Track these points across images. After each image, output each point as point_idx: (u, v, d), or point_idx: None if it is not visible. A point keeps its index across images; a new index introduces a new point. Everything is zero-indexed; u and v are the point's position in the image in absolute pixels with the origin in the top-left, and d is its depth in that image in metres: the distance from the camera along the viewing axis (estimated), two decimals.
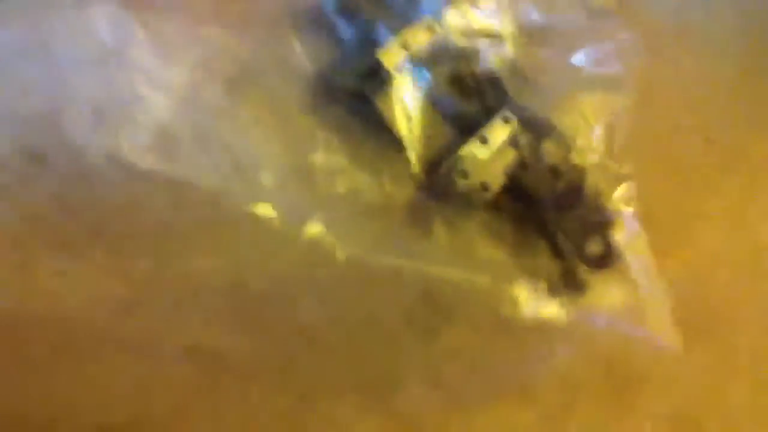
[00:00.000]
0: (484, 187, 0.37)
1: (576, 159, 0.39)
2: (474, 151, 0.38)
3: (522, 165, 0.39)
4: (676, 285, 0.37)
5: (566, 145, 0.40)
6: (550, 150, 0.39)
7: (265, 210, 0.36)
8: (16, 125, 0.37)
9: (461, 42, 0.41)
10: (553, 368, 0.36)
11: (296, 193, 0.37)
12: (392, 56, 0.38)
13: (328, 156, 0.39)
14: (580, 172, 0.39)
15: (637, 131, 0.42)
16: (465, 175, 0.37)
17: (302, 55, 0.42)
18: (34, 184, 0.36)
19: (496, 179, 0.37)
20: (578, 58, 0.44)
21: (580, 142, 0.41)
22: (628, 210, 0.39)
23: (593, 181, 0.38)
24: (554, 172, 0.39)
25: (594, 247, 0.38)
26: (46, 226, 0.35)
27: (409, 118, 0.39)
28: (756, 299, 0.39)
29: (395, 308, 0.36)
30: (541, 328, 0.37)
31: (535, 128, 0.40)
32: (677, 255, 0.39)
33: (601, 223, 0.38)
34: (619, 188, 0.39)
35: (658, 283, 0.37)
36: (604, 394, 0.36)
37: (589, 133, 0.41)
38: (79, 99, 0.37)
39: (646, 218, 0.39)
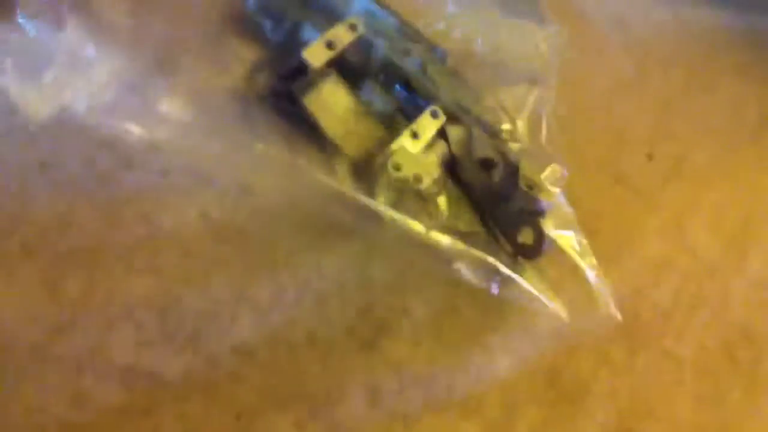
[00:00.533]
0: (417, 179, 0.37)
1: (505, 148, 0.40)
2: (405, 144, 0.38)
3: (454, 158, 0.40)
4: (619, 294, 0.37)
5: (495, 136, 0.40)
6: (480, 142, 0.40)
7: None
8: None
9: (390, 40, 0.41)
10: (495, 378, 0.36)
11: None
12: (317, 55, 0.38)
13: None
14: (512, 164, 0.39)
15: (574, 134, 0.43)
16: (398, 167, 0.37)
17: (230, 56, 0.41)
18: None
19: (429, 172, 0.37)
20: (502, 52, 0.45)
21: (505, 132, 0.42)
22: (557, 191, 0.39)
23: (525, 170, 0.39)
24: (485, 164, 0.39)
25: (525, 237, 0.38)
26: None
27: (337, 118, 0.39)
28: (699, 312, 0.40)
29: (336, 323, 0.36)
30: (482, 340, 0.37)
31: (462, 121, 0.41)
32: (620, 264, 0.40)
33: (532, 213, 0.38)
34: (548, 169, 0.39)
35: (601, 281, 0.38)
36: (547, 404, 0.36)
37: (513, 125, 0.42)
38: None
39: (586, 227, 0.39)
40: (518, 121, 0.42)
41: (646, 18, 0.51)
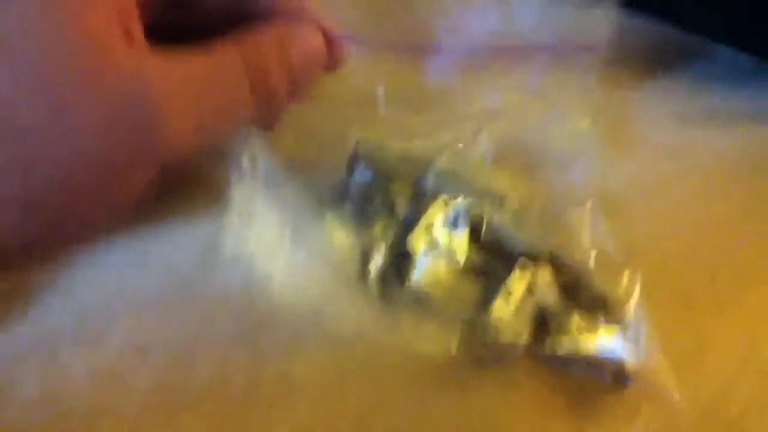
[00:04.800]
0: (513, 344, 0.44)
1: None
2: (501, 308, 0.44)
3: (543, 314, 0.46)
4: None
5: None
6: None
7: None
8: None
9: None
10: None
11: None
12: (420, 240, 0.46)
13: None
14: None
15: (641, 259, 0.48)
16: (496, 335, 0.43)
17: None
18: None
19: (521, 334, 0.44)
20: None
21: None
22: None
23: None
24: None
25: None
26: None
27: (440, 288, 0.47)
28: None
29: None
30: None
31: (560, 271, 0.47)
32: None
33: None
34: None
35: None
36: None
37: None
38: None
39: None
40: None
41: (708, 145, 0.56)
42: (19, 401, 0.41)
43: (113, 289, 0.46)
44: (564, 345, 0.44)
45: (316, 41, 0.37)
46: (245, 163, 0.40)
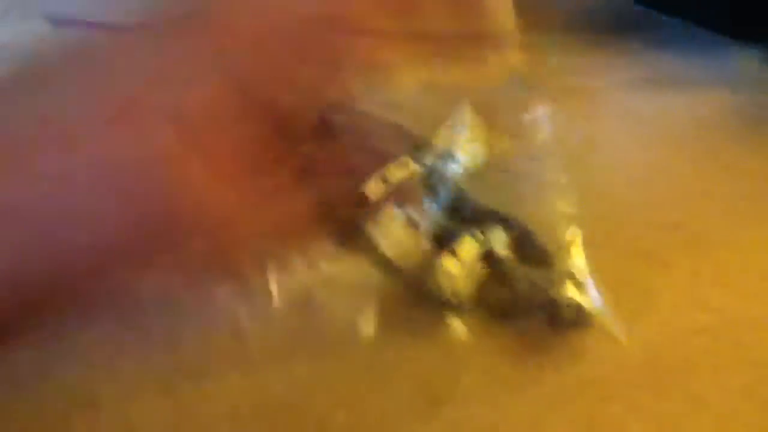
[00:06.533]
0: (455, 296, 0.45)
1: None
2: (449, 264, 0.46)
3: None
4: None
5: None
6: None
7: None
8: None
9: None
10: None
11: None
12: (375, 189, 0.46)
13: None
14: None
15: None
16: (439, 286, 0.45)
17: None
18: None
19: (465, 291, 0.45)
20: None
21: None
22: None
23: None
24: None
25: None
26: None
27: (394, 243, 0.47)
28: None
29: None
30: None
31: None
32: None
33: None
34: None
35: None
36: None
37: None
38: None
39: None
40: None
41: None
42: None
43: None
44: (516, 295, 0.46)
45: None
46: None
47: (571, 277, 0.45)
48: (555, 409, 0.40)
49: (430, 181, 0.49)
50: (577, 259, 0.46)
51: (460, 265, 0.46)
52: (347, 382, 0.42)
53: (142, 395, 0.39)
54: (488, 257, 0.47)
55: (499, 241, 0.47)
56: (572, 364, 0.43)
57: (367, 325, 0.43)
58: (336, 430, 0.39)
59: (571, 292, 0.44)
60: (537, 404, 0.41)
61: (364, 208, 0.47)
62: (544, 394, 0.41)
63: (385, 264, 0.47)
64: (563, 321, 0.44)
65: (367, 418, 0.40)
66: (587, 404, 0.40)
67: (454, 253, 0.46)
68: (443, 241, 0.48)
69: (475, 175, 0.51)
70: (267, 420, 0.39)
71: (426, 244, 0.48)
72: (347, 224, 0.47)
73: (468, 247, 0.47)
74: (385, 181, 0.46)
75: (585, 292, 0.45)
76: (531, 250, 0.48)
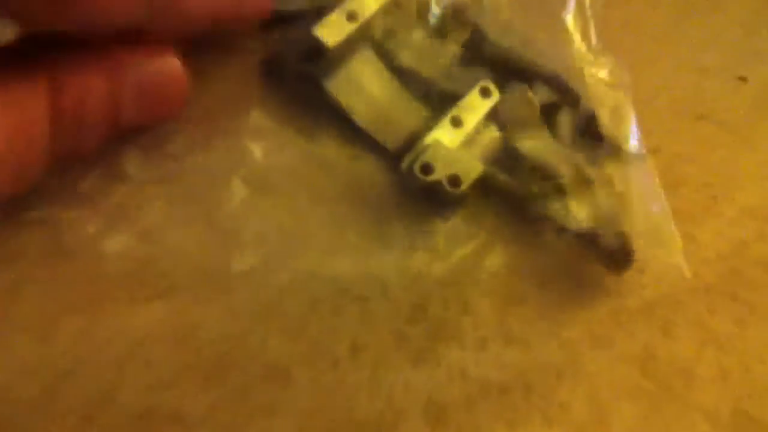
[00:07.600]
0: (453, 182, 0.30)
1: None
2: (441, 137, 0.31)
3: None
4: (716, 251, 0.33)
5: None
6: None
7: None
8: None
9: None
10: (580, 373, 0.31)
11: None
12: (335, 31, 0.32)
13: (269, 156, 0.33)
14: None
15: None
16: (428, 170, 0.30)
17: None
18: None
19: (469, 170, 0.31)
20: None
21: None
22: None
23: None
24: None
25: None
26: None
27: (368, 103, 0.33)
28: None
29: (383, 330, 0.30)
30: (558, 330, 0.32)
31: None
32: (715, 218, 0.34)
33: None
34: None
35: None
36: (644, 397, 0.31)
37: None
38: None
39: (669, 186, 0.33)
40: None
41: None
42: None
43: None
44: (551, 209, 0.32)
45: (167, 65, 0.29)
46: None
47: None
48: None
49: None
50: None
51: (461, 136, 0.31)
52: None
53: None
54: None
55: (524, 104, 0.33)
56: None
57: None
58: None
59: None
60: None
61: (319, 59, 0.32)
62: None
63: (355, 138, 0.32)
64: (606, 253, 0.31)
65: None
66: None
67: (456, 120, 0.32)
68: (443, 97, 0.33)
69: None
70: None
71: (418, 107, 0.33)
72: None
73: (476, 109, 0.32)
74: (351, 17, 0.32)
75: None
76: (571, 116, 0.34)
